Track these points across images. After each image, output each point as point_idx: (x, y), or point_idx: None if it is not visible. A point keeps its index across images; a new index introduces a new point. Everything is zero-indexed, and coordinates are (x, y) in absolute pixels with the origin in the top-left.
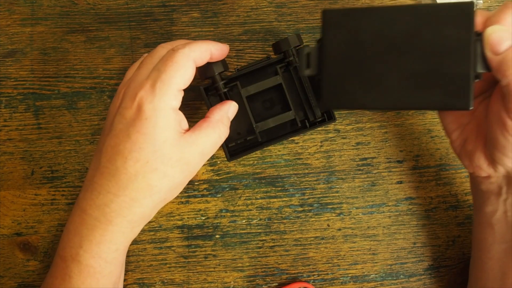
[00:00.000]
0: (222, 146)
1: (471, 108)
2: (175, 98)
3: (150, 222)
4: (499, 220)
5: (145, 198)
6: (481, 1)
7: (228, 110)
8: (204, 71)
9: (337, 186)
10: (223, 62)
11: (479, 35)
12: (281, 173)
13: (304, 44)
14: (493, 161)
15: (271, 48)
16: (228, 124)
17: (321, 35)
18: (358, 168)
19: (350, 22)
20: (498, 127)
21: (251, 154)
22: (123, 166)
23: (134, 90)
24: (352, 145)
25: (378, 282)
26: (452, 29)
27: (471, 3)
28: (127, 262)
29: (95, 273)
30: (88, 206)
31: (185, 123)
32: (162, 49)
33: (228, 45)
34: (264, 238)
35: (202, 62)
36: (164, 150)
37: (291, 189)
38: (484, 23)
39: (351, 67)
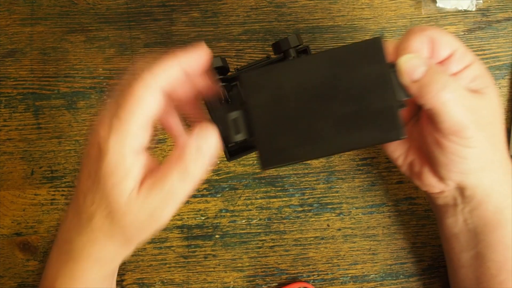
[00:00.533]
0: (222, 146)
1: (404, 137)
2: (135, 137)
3: None
4: (461, 230)
5: (104, 240)
6: (481, 1)
7: (199, 148)
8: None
9: (337, 186)
10: (223, 62)
11: (393, 66)
12: (281, 173)
13: (229, 110)
14: (441, 178)
15: (271, 48)
16: (200, 169)
17: (244, 98)
18: (358, 168)
19: (270, 81)
20: (435, 147)
21: (251, 154)
22: (83, 206)
23: (96, 127)
24: None
25: (378, 282)
26: (367, 66)
27: (379, 38)
28: (127, 262)
29: None
30: (61, 239)
31: (143, 172)
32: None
33: (207, 48)
34: (264, 238)
35: (174, 84)
36: (113, 197)
37: (291, 189)
38: (395, 52)
39: (281, 124)
